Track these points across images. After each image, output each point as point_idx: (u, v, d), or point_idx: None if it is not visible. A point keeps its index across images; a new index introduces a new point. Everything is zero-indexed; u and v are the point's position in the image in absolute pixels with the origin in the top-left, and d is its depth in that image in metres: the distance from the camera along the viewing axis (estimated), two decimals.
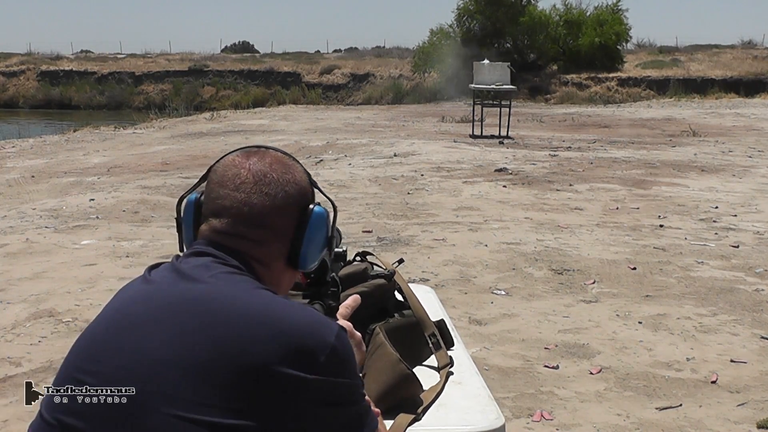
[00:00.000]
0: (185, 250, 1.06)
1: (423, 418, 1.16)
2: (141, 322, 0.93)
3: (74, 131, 13.68)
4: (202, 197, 1.06)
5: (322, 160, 8.59)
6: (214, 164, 1.06)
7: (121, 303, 1.00)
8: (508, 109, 10.85)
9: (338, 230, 1.39)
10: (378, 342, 1.24)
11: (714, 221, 5.37)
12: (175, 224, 1.12)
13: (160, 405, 0.86)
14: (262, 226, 1.02)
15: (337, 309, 1.16)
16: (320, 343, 0.90)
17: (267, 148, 1.07)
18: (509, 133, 10.82)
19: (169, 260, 1.02)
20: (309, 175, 1.08)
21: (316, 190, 1.09)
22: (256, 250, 1.02)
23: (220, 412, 0.85)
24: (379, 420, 1.00)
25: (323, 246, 1.09)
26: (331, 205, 1.10)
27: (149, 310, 0.94)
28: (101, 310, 1.01)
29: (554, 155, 8.83)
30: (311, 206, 1.06)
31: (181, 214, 1.09)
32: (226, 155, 1.07)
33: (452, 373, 1.30)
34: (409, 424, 1.13)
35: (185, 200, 1.09)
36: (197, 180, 1.10)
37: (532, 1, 22.66)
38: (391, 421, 1.11)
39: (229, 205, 1.01)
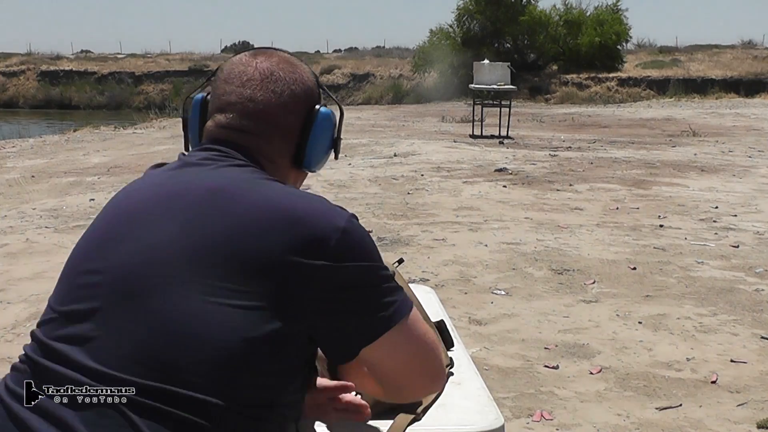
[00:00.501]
0: (190, 149, 1.06)
1: (423, 419, 1.15)
2: (150, 214, 0.91)
3: (74, 131, 13.69)
4: (209, 97, 1.06)
5: None
6: (222, 64, 1.07)
7: (125, 197, 0.98)
8: (508, 109, 10.85)
9: None
10: None
11: (714, 221, 5.37)
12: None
13: (170, 286, 0.84)
14: (267, 122, 1.02)
15: None
16: (329, 229, 0.89)
17: (275, 49, 1.08)
18: (509, 133, 10.82)
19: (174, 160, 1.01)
20: (317, 77, 1.09)
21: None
22: (261, 145, 1.01)
23: (237, 295, 0.83)
24: (415, 309, 0.96)
25: (329, 147, 1.10)
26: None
27: (159, 201, 0.92)
28: (102, 209, 0.99)
29: (554, 155, 8.83)
30: (317, 106, 1.07)
31: (188, 113, 1.10)
32: (233, 56, 1.07)
33: (452, 374, 1.30)
34: (409, 424, 1.13)
35: (192, 99, 1.09)
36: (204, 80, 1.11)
37: (532, 1, 22.68)
38: (391, 421, 1.11)
39: (235, 101, 1.01)
